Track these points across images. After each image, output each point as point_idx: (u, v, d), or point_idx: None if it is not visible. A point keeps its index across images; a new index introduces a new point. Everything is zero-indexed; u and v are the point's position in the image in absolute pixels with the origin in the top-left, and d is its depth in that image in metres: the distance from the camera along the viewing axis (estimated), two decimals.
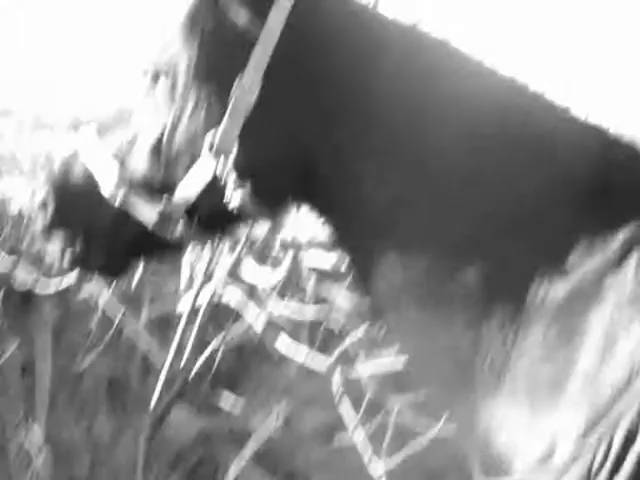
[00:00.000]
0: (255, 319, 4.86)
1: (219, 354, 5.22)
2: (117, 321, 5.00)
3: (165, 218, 2.30)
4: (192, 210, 2.29)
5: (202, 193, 2.26)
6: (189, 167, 2.27)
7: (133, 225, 2.34)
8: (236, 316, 5.09)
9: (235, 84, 2.22)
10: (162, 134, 2.31)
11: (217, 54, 2.32)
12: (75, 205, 2.40)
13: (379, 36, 2.29)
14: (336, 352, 4.54)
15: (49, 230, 2.40)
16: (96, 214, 2.38)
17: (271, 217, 2.45)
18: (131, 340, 5.32)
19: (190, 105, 2.29)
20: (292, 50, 2.26)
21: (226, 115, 2.23)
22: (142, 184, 2.31)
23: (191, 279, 5.49)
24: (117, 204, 2.30)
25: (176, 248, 2.49)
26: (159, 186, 2.30)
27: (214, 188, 2.24)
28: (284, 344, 4.77)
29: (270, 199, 2.36)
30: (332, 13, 2.32)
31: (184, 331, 4.89)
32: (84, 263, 2.44)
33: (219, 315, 5.37)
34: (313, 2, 2.32)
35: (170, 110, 2.31)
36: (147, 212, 2.30)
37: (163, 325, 6.79)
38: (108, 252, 2.44)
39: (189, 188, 2.27)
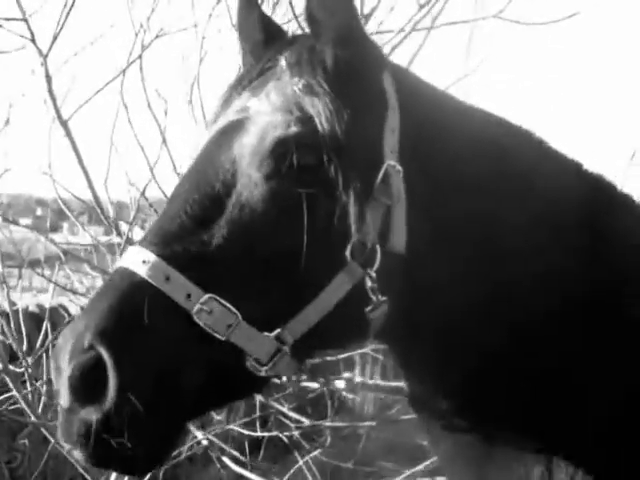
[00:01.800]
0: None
1: None
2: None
3: (277, 351, 1.89)
4: (312, 335, 1.91)
5: (333, 313, 1.89)
6: (317, 281, 1.88)
7: (236, 364, 1.87)
8: None
9: (386, 167, 1.95)
10: (294, 238, 1.86)
11: (359, 123, 1.98)
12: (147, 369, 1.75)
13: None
14: None
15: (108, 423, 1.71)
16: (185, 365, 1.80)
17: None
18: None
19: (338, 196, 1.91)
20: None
21: (393, 206, 1.94)
22: (259, 312, 1.86)
23: None
24: (225, 339, 1.82)
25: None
26: (277, 309, 1.88)
27: (348, 306, 1.90)
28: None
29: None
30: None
31: None
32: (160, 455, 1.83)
33: None
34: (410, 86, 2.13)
35: (320, 200, 1.90)
36: (262, 345, 1.87)
37: None
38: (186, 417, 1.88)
39: (320, 307, 1.88)
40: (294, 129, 1.95)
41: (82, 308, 1.89)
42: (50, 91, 4.67)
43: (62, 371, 1.75)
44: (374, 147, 1.98)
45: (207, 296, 1.82)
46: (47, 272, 6.09)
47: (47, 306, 5.84)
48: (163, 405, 1.76)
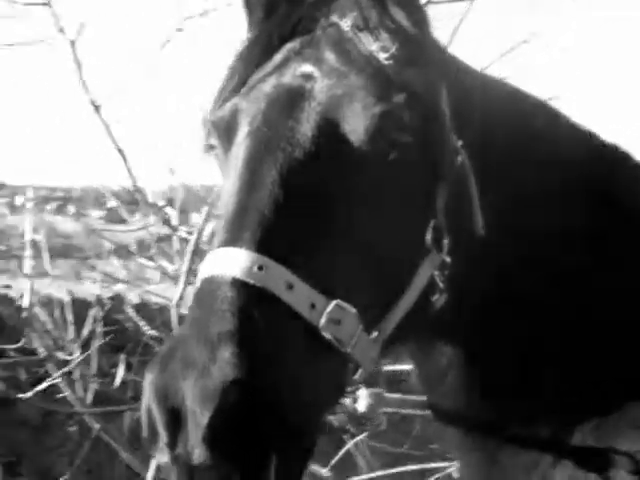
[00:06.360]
0: None
1: None
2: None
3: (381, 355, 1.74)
4: (393, 332, 1.74)
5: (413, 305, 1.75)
6: (408, 271, 1.75)
7: (346, 379, 1.68)
8: None
9: (454, 145, 1.83)
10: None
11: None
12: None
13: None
14: None
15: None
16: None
17: None
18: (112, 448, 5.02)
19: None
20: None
21: (470, 186, 1.85)
22: (367, 314, 1.65)
23: None
24: (350, 351, 1.60)
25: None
26: (377, 307, 1.71)
27: (422, 296, 1.78)
28: None
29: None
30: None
31: None
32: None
33: None
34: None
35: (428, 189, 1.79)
36: (371, 352, 1.68)
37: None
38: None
39: (408, 300, 1.74)
40: (394, 102, 1.72)
41: (183, 332, 1.56)
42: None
43: (192, 417, 1.42)
44: (445, 123, 1.83)
45: (334, 303, 1.58)
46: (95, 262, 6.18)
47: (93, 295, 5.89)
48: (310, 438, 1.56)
